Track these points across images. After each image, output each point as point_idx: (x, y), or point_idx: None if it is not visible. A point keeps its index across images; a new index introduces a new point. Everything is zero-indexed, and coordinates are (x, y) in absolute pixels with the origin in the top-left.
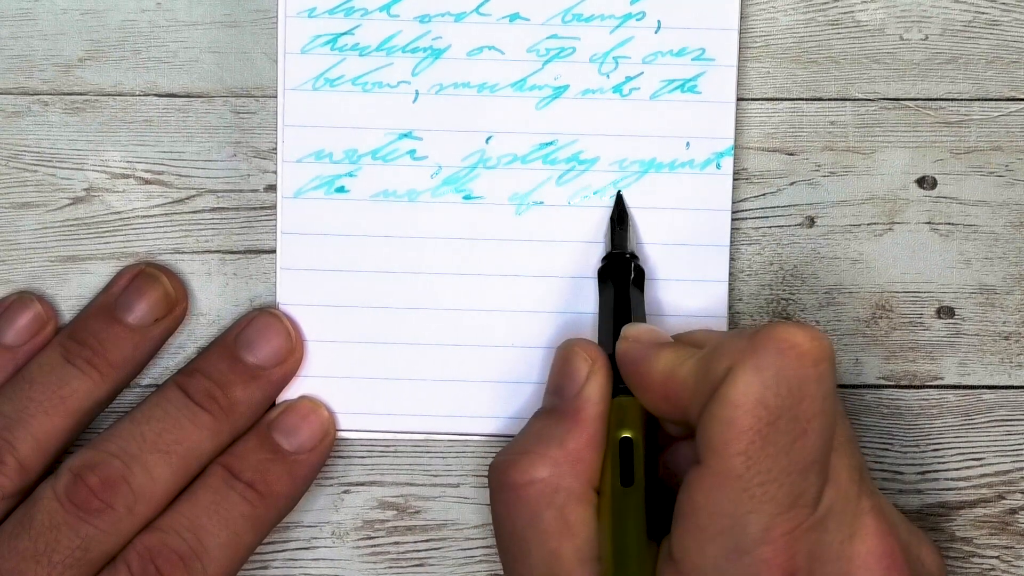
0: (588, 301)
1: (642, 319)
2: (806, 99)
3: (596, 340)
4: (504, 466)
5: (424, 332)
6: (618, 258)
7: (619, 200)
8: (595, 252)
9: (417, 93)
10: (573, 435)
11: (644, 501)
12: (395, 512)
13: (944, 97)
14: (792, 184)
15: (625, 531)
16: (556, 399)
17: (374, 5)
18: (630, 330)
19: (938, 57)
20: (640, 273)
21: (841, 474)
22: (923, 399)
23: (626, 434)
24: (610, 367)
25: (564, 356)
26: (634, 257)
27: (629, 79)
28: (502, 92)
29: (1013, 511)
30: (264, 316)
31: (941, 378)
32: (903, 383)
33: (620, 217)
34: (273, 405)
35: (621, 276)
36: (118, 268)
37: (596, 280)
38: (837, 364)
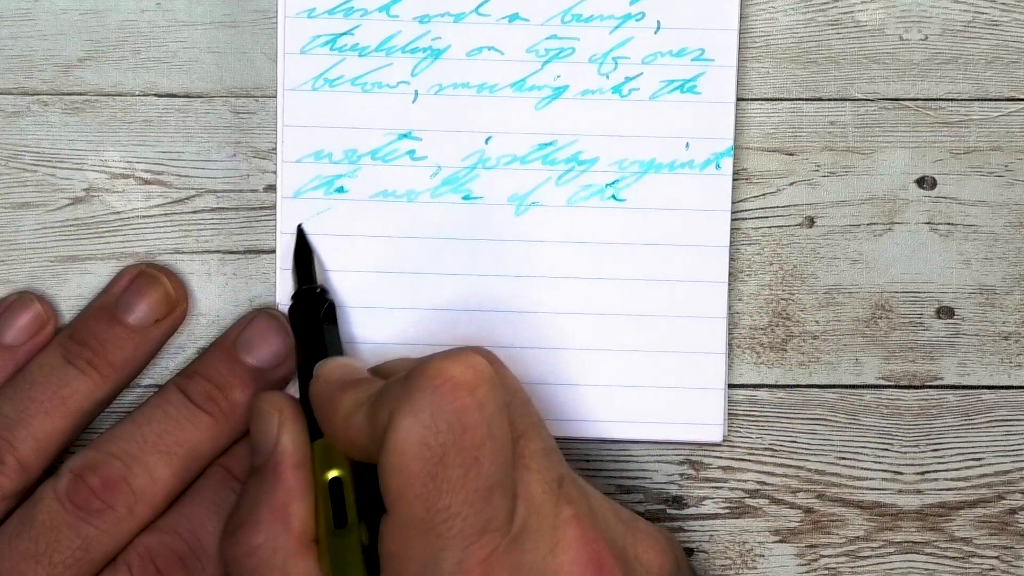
0: (588, 301)
1: (338, 353)
2: (806, 99)
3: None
4: (226, 540)
5: (423, 332)
6: (306, 294)
7: (300, 234)
8: (598, 252)
9: (417, 93)
10: (277, 492)
11: (361, 540)
12: None
13: (944, 97)
14: (792, 184)
15: (343, 573)
16: (257, 457)
17: (374, 5)
18: (322, 368)
19: (938, 57)
20: (331, 306)
21: (532, 489)
22: (923, 399)
23: (333, 474)
24: (302, 413)
25: (253, 412)
26: (324, 291)
27: (629, 79)
28: (502, 92)
29: (1013, 511)
30: (263, 317)
31: (941, 378)
32: (903, 383)
33: (302, 252)
34: None
35: (311, 312)
36: (118, 268)
37: (289, 321)
38: (836, 364)
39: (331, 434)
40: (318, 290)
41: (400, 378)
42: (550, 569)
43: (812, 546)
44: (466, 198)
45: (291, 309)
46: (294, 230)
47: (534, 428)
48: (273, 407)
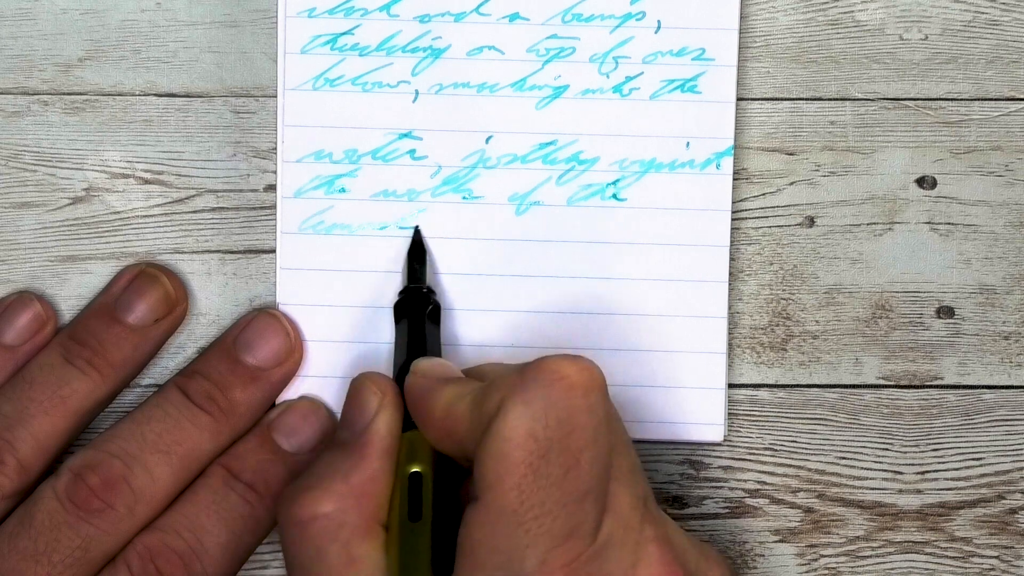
0: (586, 301)
1: (437, 354)
2: (806, 99)
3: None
4: (290, 501)
5: None
6: (414, 292)
7: (416, 235)
8: (598, 252)
9: (417, 93)
10: (359, 469)
11: (431, 536)
12: None
13: (944, 97)
14: (792, 184)
15: (411, 566)
16: (346, 432)
17: (374, 5)
18: (420, 364)
19: (938, 57)
20: (436, 308)
21: (622, 503)
22: (923, 399)
23: (415, 469)
24: (401, 402)
25: (355, 389)
26: (431, 292)
27: (629, 79)
28: (502, 92)
29: (1013, 511)
30: (263, 317)
31: (941, 378)
32: (903, 383)
33: (416, 252)
34: (273, 405)
35: (417, 311)
36: (118, 268)
37: (392, 314)
38: (837, 364)
39: (427, 424)
40: (425, 290)
41: (514, 370)
42: None
43: (812, 546)
44: (466, 198)
45: (396, 304)
46: (295, 228)
47: (624, 444)
48: (377, 387)
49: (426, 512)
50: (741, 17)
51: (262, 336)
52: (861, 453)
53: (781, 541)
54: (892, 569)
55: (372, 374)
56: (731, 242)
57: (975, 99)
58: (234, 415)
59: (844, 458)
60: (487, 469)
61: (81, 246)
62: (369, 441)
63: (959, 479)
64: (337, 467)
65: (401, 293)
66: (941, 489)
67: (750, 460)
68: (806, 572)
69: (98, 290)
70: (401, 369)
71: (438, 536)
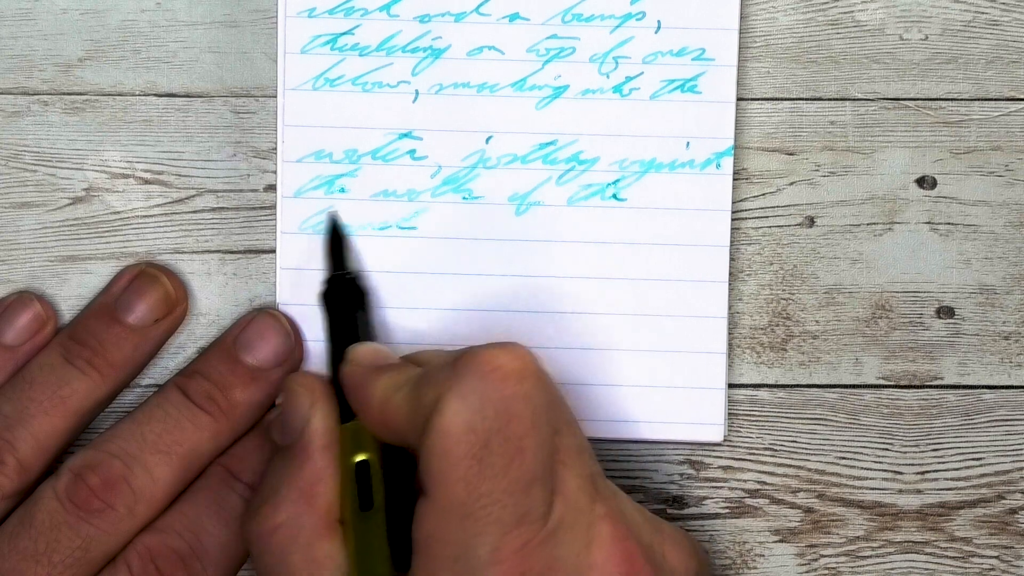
0: (589, 301)
1: (370, 339)
2: (806, 99)
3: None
4: (250, 518)
5: (424, 333)
6: (339, 280)
7: (332, 221)
8: (598, 252)
9: (417, 93)
10: (304, 471)
11: (388, 524)
12: None
13: (944, 97)
14: (792, 184)
15: (367, 556)
16: (286, 438)
17: (374, 5)
18: (354, 352)
19: (938, 57)
20: (364, 292)
21: (569, 485)
22: (923, 399)
23: (361, 457)
24: (334, 395)
25: (285, 393)
26: (356, 277)
27: (629, 79)
28: (502, 92)
29: (1013, 511)
30: (263, 317)
31: (941, 378)
32: (903, 383)
33: (335, 238)
34: (273, 405)
35: (344, 298)
36: (118, 268)
37: (321, 305)
38: (837, 364)
39: (365, 415)
40: (349, 276)
41: (447, 363)
42: (584, 564)
43: (812, 546)
44: (466, 198)
45: (323, 294)
46: (295, 228)
47: (569, 425)
48: (305, 388)
49: (377, 500)
50: (741, 17)
51: (262, 336)
52: (861, 453)
53: (781, 541)
54: (892, 569)
55: (299, 375)
56: (731, 242)
57: (975, 99)
58: (234, 415)
59: (844, 458)
60: (431, 466)
61: (81, 246)
62: (308, 441)
63: (959, 479)
64: (285, 474)
65: (326, 282)
66: (941, 489)
67: (750, 460)
68: (806, 572)
69: (98, 290)
70: (334, 358)
71: (395, 523)
